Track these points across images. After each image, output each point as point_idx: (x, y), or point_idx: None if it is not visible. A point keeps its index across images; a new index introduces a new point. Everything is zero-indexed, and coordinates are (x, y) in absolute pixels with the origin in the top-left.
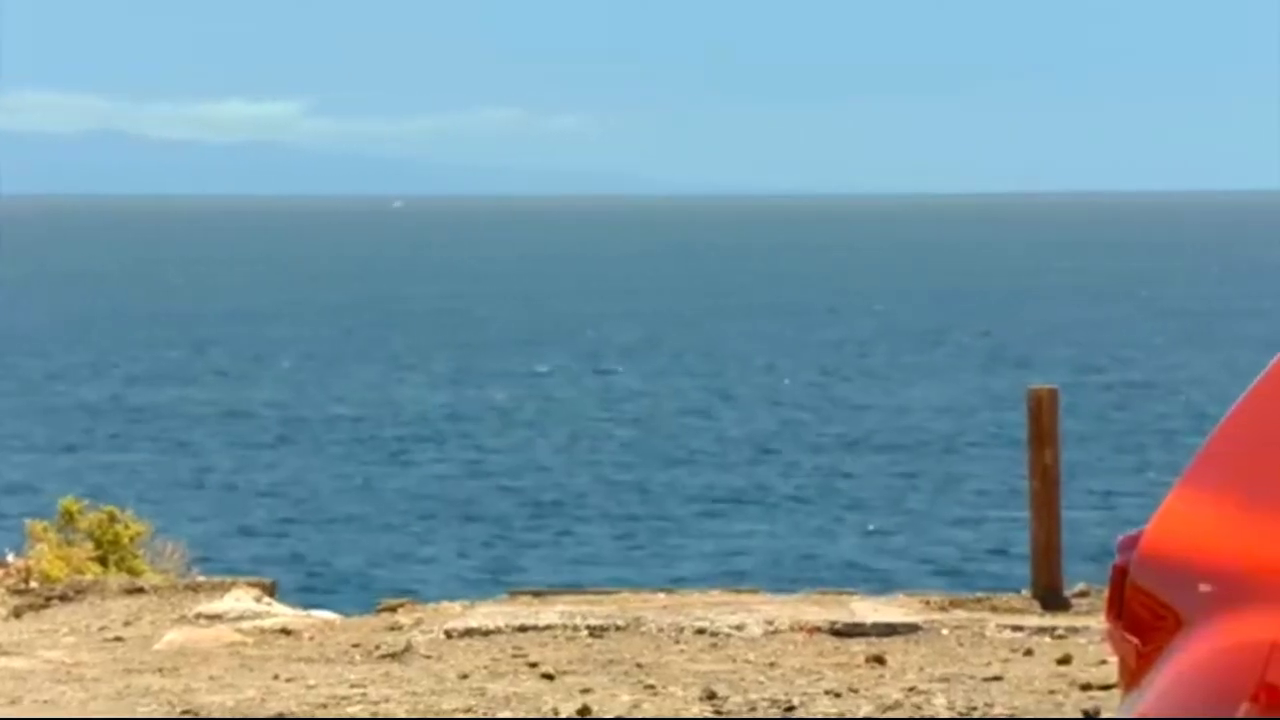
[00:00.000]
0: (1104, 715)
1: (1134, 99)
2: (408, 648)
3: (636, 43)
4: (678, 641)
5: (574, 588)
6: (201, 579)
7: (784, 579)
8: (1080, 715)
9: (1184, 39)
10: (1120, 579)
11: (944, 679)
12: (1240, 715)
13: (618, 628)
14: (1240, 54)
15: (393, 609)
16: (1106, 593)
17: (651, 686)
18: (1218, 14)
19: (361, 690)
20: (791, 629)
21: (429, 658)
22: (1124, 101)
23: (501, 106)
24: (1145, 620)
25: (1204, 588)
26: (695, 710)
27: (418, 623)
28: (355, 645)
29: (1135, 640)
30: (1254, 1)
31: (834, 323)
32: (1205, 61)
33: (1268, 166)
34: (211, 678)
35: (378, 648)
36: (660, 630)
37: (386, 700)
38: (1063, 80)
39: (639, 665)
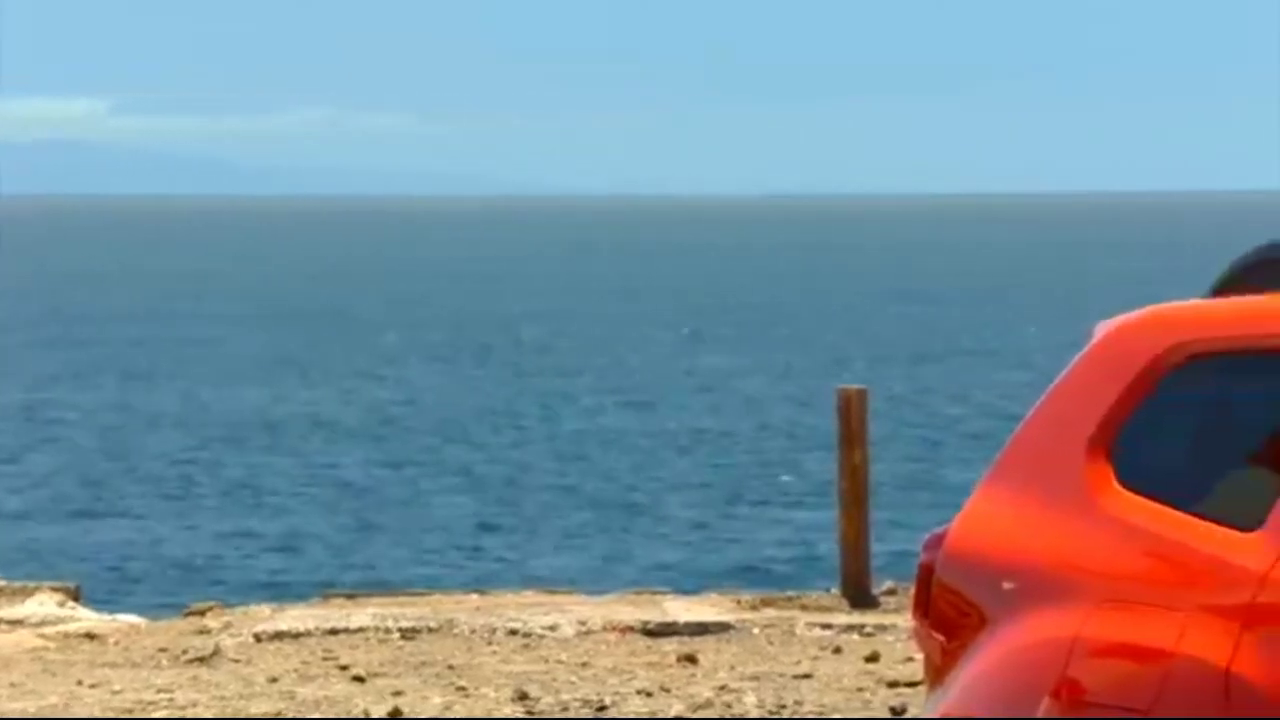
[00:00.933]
0: (910, 712)
1: (1134, 99)
2: (216, 651)
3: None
4: (490, 643)
5: (387, 589)
6: (3, 583)
7: (597, 579)
8: (887, 712)
9: (1184, 39)
10: (926, 577)
11: (754, 677)
12: (1042, 710)
13: (430, 629)
14: (1240, 54)
15: (200, 613)
16: (913, 591)
17: (463, 688)
18: (1218, 14)
19: (168, 695)
20: (604, 629)
21: (237, 661)
22: (1124, 101)
23: (314, 105)
24: (950, 618)
25: (1007, 585)
26: (507, 711)
27: (226, 626)
28: (162, 650)
29: (940, 637)
30: (1254, 1)
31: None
32: (1205, 61)
33: (1268, 166)
34: (13, 684)
35: (185, 652)
36: (473, 631)
37: (194, 705)
38: (1063, 80)
39: (451, 667)
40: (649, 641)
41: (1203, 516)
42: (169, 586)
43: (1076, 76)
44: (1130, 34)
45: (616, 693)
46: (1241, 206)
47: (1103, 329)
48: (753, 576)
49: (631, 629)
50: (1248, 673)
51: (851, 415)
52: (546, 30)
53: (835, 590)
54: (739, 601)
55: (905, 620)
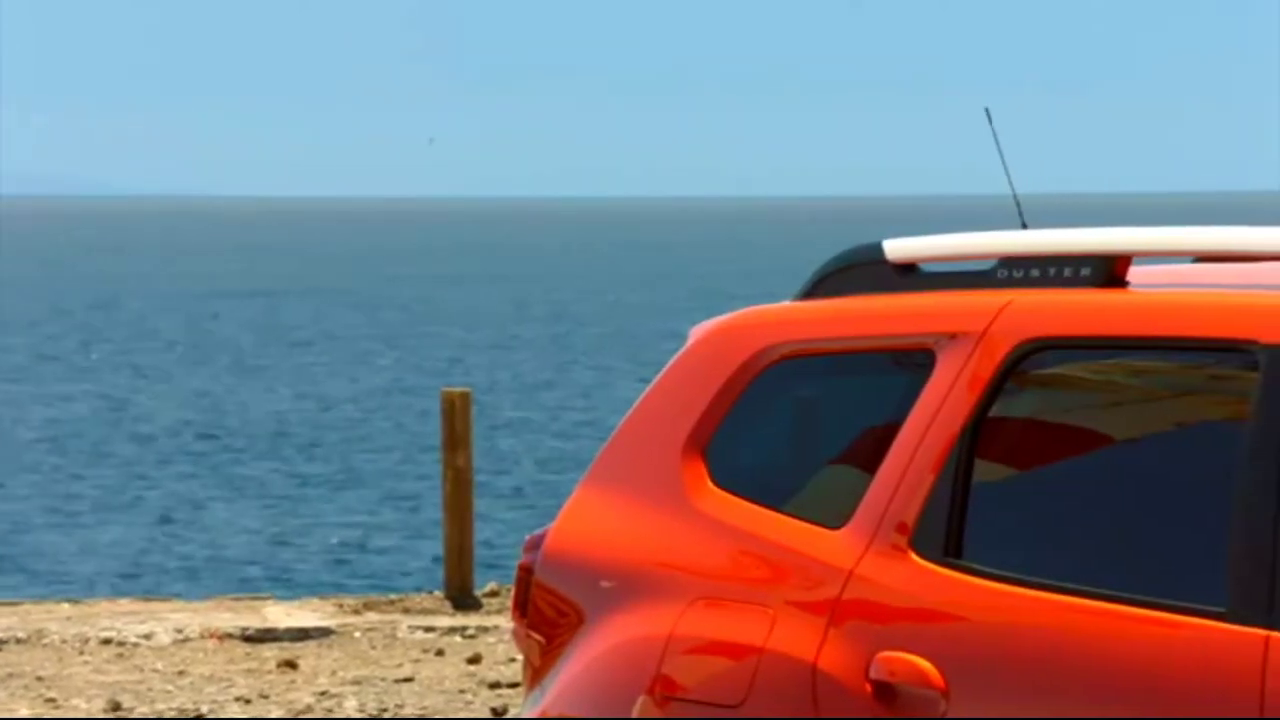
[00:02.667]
0: (511, 712)
1: (1134, 99)
2: None
3: None
4: (82, 652)
5: None
6: None
7: (197, 584)
8: (489, 713)
9: (1184, 39)
10: (525, 578)
11: (356, 681)
12: (637, 708)
13: (18, 640)
14: (1240, 54)
15: None
16: (513, 591)
17: (53, 699)
18: (1217, 14)
19: None
20: (202, 636)
21: None
22: (1124, 102)
23: None
24: (549, 618)
25: (605, 584)
26: None
27: None
28: None
29: (540, 638)
30: (1254, 2)
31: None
32: (1205, 61)
33: (1268, 166)
34: None
35: None
36: (64, 641)
37: None
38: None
39: (40, 678)
40: (248, 648)
41: (793, 515)
42: None
43: (1077, 76)
44: (1131, 34)
45: (214, 701)
46: (1243, 207)
47: (698, 331)
48: (356, 580)
49: (230, 635)
50: (833, 667)
51: (455, 417)
52: None
53: (438, 593)
54: (341, 605)
55: (507, 621)
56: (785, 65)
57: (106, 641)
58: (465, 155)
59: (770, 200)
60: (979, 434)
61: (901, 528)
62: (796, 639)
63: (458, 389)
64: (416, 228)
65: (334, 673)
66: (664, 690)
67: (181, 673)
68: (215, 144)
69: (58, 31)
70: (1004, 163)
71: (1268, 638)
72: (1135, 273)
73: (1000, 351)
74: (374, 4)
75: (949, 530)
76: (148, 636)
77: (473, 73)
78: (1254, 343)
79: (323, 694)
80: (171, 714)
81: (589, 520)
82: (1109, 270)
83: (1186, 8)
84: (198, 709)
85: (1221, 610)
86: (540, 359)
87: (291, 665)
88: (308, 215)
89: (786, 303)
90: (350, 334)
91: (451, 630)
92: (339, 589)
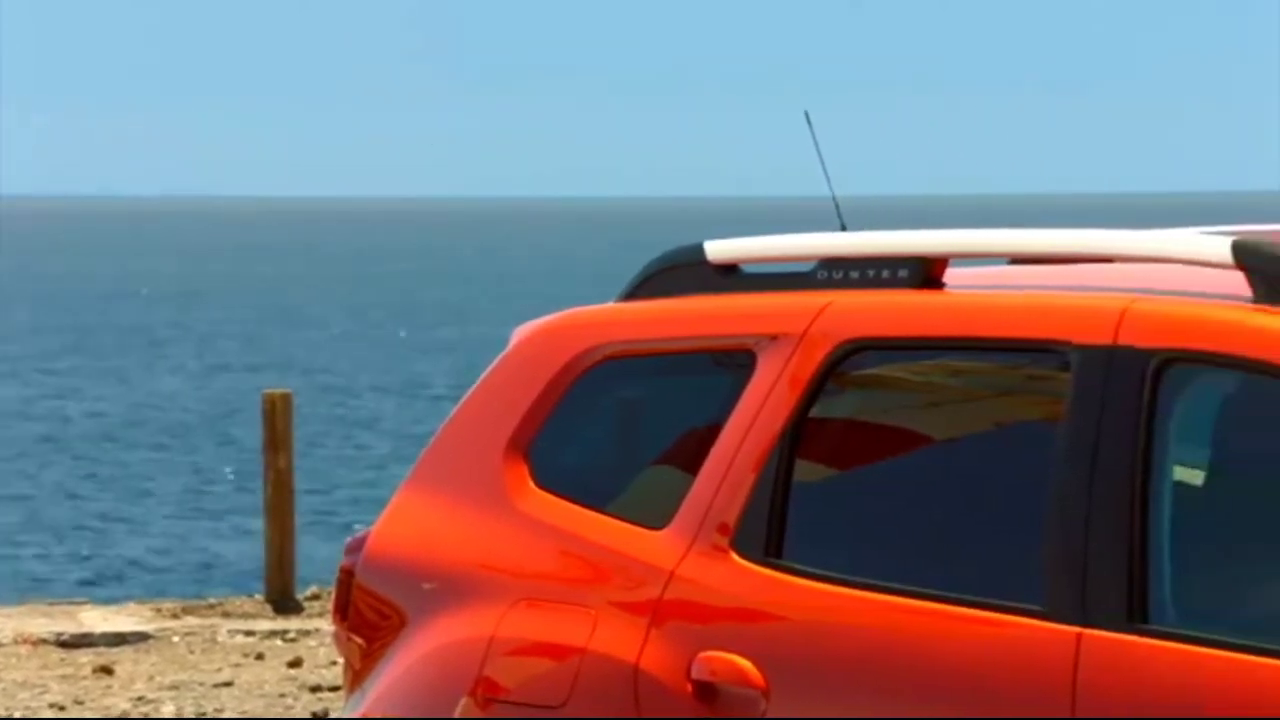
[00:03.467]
0: (332, 715)
1: (1134, 99)
2: None
3: None
4: None
5: None
6: None
7: (11, 588)
8: (309, 717)
9: (1184, 39)
10: (346, 580)
11: (174, 686)
12: (459, 710)
13: None
14: (1240, 54)
15: None
16: (334, 594)
17: None
18: (1217, 14)
19: None
20: (15, 641)
21: None
22: (1124, 102)
23: None
24: (371, 620)
25: (426, 586)
26: None
27: None
28: None
29: (360, 640)
30: (1254, 2)
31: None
32: (1205, 61)
33: (1268, 166)
34: None
35: None
36: None
37: None
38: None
39: None
40: (63, 653)
41: (616, 516)
42: None
43: (1076, 77)
44: (1131, 35)
45: (27, 707)
46: (1243, 207)
47: (521, 332)
48: (175, 584)
49: (44, 641)
50: (655, 668)
51: (276, 419)
52: None
53: (259, 596)
54: (159, 610)
55: (329, 625)
56: (785, 65)
57: None
58: (465, 155)
59: (771, 201)
60: (800, 435)
61: (723, 528)
62: (618, 639)
63: (278, 391)
64: (415, 228)
65: (151, 678)
66: (486, 692)
67: None
68: (215, 144)
69: (58, 31)
70: (823, 166)
71: (1080, 635)
72: (952, 274)
73: (820, 352)
74: (374, 4)
75: (770, 530)
76: None
77: (473, 73)
78: (1067, 343)
79: (139, 699)
80: None
81: (411, 522)
82: (926, 272)
83: (1186, 8)
84: (10, 715)
85: (1037, 609)
86: (380, 358)
87: (107, 670)
88: (306, 216)
89: (609, 304)
90: (215, 333)
91: (272, 634)
92: (158, 593)
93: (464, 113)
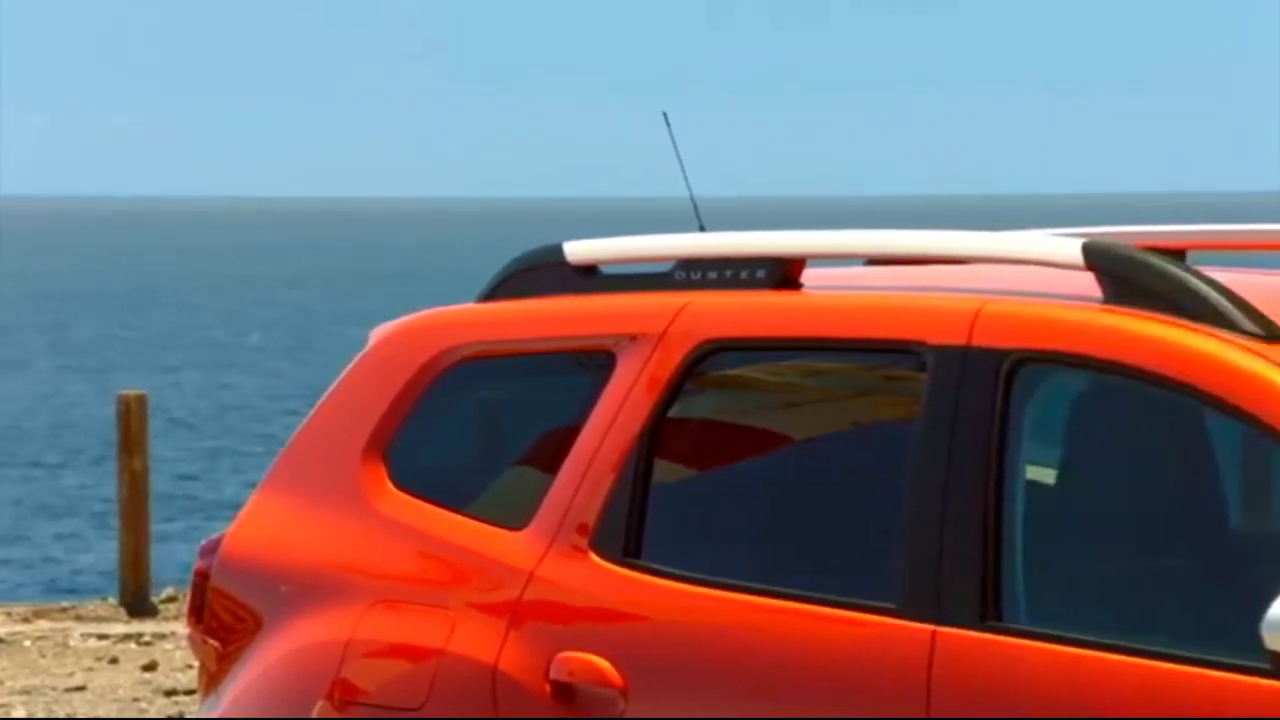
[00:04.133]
0: (187, 719)
1: (1134, 99)
2: None
3: None
4: None
5: None
6: None
7: None
8: None
9: (1184, 39)
10: (201, 583)
11: (25, 691)
12: (316, 712)
13: None
14: (1240, 54)
15: None
16: (188, 597)
17: None
18: (1217, 14)
19: None
20: None
21: None
22: (1124, 101)
23: None
24: (226, 623)
25: (283, 588)
26: None
27: None
28: None
29: (216, 643)
30: (1254, 2)
31: None
32: (1205, 61)
33: (1268, 166)
34: None
35: None
36: None
37: None
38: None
39: None
40: None
41: (475, 517)
42: None
43: (1076, 79)
44: (1131, 36)
45: None
46: (1242, 208)
47: (378, 333)
48: (26, 587)
49: None
50: (513, 669)
51: (131, 421)
52: None
53: (113, 600)
54: (9, 614)
55: (185, 628)
56: (786, 65)
57: None
58: (465, 155)
59: (769, 201)
60: (658, 435)
61: (582, 529)
62: (477, 641)
63: (133, 392)
64: (415, 228)
65: (1, 682)
66: (343, 694)
67: None
68: (215, 144)
69: (58, 31)
70: (682, 167)
71: (935, 633)
72: (810, 275)
73: (679, 353)
74: (374, 4)
75: (629, 531)
76: None
77: (473, 73)
78: (922, 344)
79: None
80: None
81: (267, 524)
82: (783, 272)
83: (1186, 8)
84: None
85: (893, 607)
86: (239, 364)
87: None
88: (307, 216)
89: (468, 304)
90: (108, 336)
91: (126, 637)
92: (8, 597)
93: (464, 113)
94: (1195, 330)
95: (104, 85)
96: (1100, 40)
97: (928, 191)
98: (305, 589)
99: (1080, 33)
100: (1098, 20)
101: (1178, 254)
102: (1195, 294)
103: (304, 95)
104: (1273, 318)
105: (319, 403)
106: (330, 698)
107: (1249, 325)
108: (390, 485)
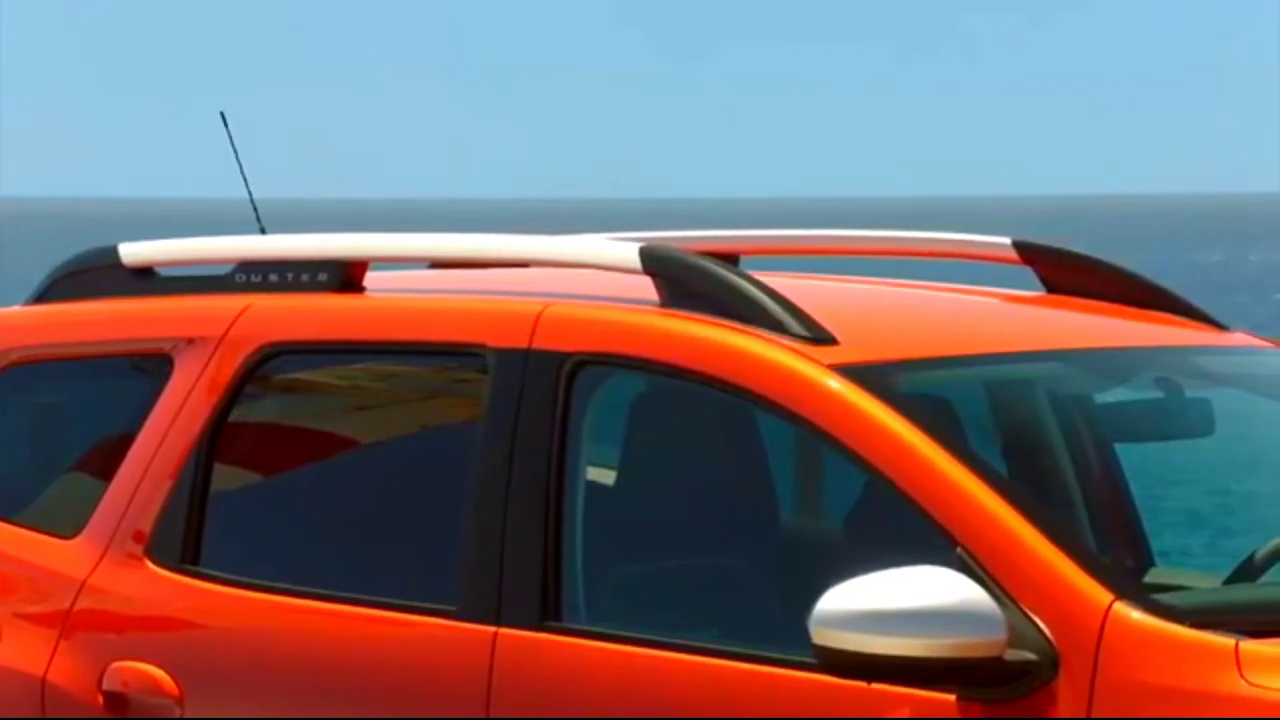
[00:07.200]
0: None
1: (1134, 99)
2: None
3: None
4: None
5: None
6: None
7: None
8: None
9: (1184, 39)
10: None
11: None
12: None
13: None
14: (1240, 54)
15: None
16: None
17: None
18: (1217, 14)
19: None
20: None
21: None
22: (1124, 102)
23: None
24: None
25: None
26: None
27: None
28: None
29: None
30: (1254, 2)
31: None
32: (1205, 61)
33: (1268, 167)
34: None
35: None
36: None
37: None
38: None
39: None
40: None
41: (26, 525)
42: None
43: (1075, 79)
44: (1130, 36)
45: None
46: (1242, 206)
47: None
48: None
49: None
50: (64, 680)
51: None
52: None
53: None
54: None
55: None
56: (787, 65)
57: None
58: (465, 155)
59: (771, 201)
60: (217, 440)
61: (138, 536)
62: (24, 653)
63: None
64: (414, 227)
65: None
66: None
67: None
68: (215, 145)
69: (57, 31)
70: (240, 168)
71: (495, 634)
72: (374, 279)
73: (239, 356)
74: (374, 4)
75: (186, 537)
76: None
77: (473, 73)
78: (483, 346)
79: None
80: None
81: None
82: (346, 275)
83: (1186, 8)
84: None
85: (454, 610)
86: None
87: None
88: (307, 216)
89: (17, 307)
90: None
91: None
92: None
93: (464, 113)
94: (744, 333)
95: (104, 85)
96: (1100, 40)
97: (930, 193)
98: None
99: (1080, 33)
100: (1098, 20)
101: (731, 258)
102: (745, 297)
103: (304, 95)
104: (820, 321)
105: None
106: None
107: (797, 328)
108: None
